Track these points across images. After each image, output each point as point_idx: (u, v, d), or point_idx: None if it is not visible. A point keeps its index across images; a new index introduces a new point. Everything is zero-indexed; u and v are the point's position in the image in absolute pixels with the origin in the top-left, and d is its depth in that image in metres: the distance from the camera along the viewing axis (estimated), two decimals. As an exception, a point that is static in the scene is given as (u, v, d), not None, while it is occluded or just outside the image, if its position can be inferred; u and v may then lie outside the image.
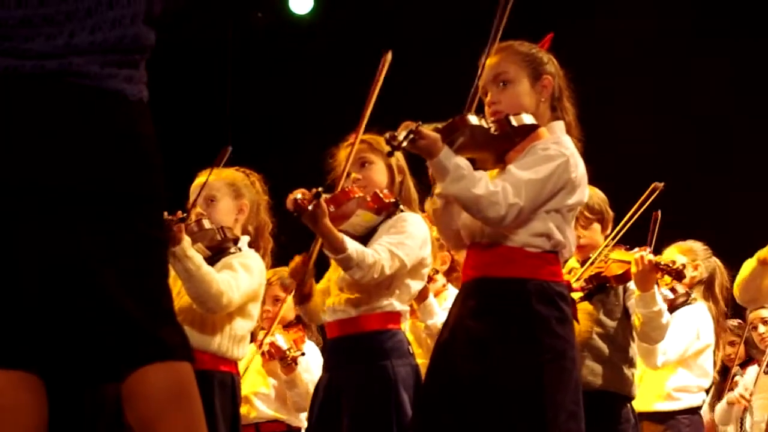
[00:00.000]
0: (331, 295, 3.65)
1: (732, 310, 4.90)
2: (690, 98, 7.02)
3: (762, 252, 3.84)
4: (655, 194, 3.98)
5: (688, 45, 7.11)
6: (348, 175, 3.62)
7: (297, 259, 3.66)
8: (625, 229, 4.01)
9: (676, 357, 4.52)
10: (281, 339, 4.68)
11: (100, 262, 1.85)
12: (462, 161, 2.79)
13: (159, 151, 1.98)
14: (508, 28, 3.00)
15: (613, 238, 4.00)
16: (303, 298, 3.65)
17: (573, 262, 4.00)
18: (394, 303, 3.57)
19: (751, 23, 7.02)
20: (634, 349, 4.02)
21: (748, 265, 3.90)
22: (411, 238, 3.53)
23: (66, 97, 1.87)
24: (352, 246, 3.41)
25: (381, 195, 3.57)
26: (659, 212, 4.15)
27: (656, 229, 4.18)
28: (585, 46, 6.01)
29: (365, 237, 3.60)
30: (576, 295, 3.79)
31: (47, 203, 1.84)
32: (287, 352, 4.61)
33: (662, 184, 3.96)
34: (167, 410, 1.84)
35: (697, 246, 4.69)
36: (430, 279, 4.02)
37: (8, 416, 1.81)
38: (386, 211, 3.60)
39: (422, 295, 4.15)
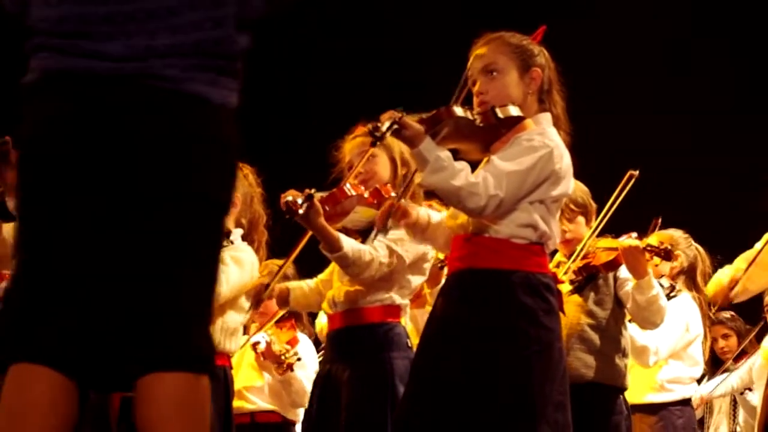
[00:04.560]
0: (333, 287, 3.66)
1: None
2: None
3: (707, 291, 3.89)
4: (632, 182, 3.96)
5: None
6: (351, 168, 3.62)
7: (257, 283, 3.72)
8: (606, 218, 3.99)
9: (667, 354, 4.52)
10: (275, 342, 4.66)
11: (152, 264, 1.83)
12: (443, 152, 2.79)
13: (237, 158, 1.95)
14: (501, 21, 3.01)
15: (594, 230, 3.99)
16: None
17: (560, 257, 3.99)
18: (394, 297, 3.57)
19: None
20: (626, 338, 4.00)
21: (718, 282, 3.94)
22: None
23: (143, 98, 1.85)
24: (348, 244, 3.41)
25: (381, 190, 3.56)
26: (660, 219, 4.16)
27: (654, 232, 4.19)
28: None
29: (367, 232, 3.60)
30: (566, 288, 3.77)
31: (114, 204, 1.83)
32: (283, 357, 4.60)
33: (637, 172, 3.95)
34: (170, 421, 1.82)
35: (677, 234, 4.68)
36: (444, 265, 3.99)
37: (37, 415, 1.80)
38: None
39: (435, 280, 4.11)
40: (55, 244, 1.83)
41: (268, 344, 4.63)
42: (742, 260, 4.12)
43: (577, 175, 3.03)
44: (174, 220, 1.85)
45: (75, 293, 1.81)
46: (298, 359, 4.63)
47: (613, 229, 4.02)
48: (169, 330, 1.83)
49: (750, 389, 5.67)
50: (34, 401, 1.80)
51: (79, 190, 1.83)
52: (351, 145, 3.70)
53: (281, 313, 4.73)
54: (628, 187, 3.96)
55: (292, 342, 4.71)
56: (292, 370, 4.60)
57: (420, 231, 3.14)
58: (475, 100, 2.98)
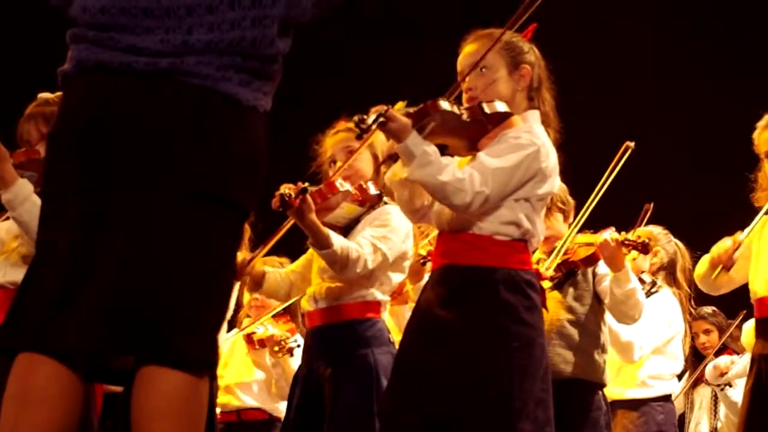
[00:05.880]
0: (312, 283, 3.66)
1: (702, 296, 4.92)
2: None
3: (711, 254, 3.87)
4: (627, 154, 3.93)
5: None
6: (333, 162, 3.61)
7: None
8: (601, 192, 3.95)
9: (651, 349, 4.54)
10: (272, 329, 4.68)
11: (165, 259, 1.82)
12: (430, 147, 2.79)
13: (262, 163, 1.93)
14: (494, 18, 3.01)
15: (574, 227, 3.99)
16: (255, 285, 3.77)
17: (539, 253, 3.99)
18: (375, 293, 3.58)
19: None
20: (605, 335, 4.01)
21: (703, 264, 3.93)
22: (394, 232, 3.54)
23: (173, 96, 1.85)
24: (338, 242, 3.42)
25: (365, 187, 3.56)
26: (651, 204, 4.15)
27: (644, 221, 4.19)
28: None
29: (347, 228, 3.61)
30: (545, 285, 3.77)
31: (134, 201, 1.82)
32: (283, 343, 4.61)
33: (633, 144, 3.91)
34: (165, 417, 1.82)
35: (656, 230, 4.71)
36: (426, 261, 4.02)
37: (43, 405, 1.81)
38: (370, 202, 3.60)
39: (418, 276, 4.13)
40: (69, 236, 1.83)
41: (268, 330, 4.65)
42: None
43: (563, 166, 3.03)
44: (193, 220, 1.84)
45: (85, 285, 1.81)
46: (298, 346, 4.65)
47: (594, 225, 4.04)
48: (176, 326, 1.83)
49: (730, 385, 5.70)
50: (37, 390, 1.80)
51: (99, 185, 1.83)
52: (333, 140, 3.70)
53: (278, 308, 4.74)
54: (623, 160, 3.91)
55: (291, 332, 4.74)
56: (291, 354, 4.62)
57: None
58: (464, 96, 2.99)
